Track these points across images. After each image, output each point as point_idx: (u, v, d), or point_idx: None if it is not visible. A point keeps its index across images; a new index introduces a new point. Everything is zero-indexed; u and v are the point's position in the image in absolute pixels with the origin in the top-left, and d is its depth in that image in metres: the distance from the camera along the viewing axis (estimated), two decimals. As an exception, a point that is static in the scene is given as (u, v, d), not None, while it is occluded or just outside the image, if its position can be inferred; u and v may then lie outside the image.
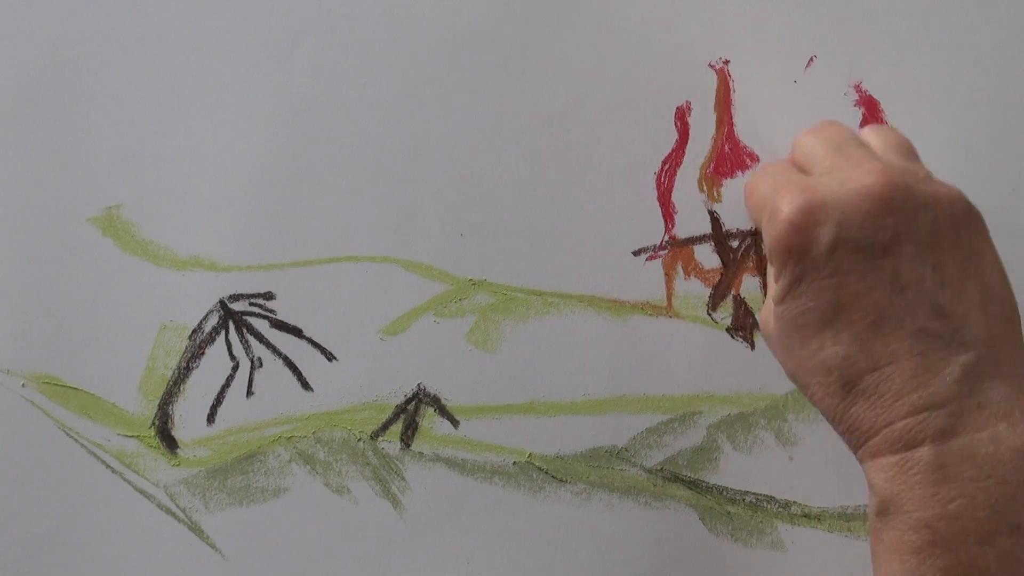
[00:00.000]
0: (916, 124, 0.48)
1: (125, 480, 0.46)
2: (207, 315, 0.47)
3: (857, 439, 0.37)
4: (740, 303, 0.48)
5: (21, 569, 0.46)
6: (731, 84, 0.47)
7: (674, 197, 0.47)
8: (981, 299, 0.38)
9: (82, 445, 0.46)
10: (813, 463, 0.47)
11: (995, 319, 0.38)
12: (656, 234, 0.47)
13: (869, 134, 0.42)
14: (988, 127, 0.48)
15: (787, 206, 0.38)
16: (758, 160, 0.48)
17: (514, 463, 0.47)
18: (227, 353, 0.47)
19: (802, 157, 0.42)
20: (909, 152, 0.41)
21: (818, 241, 0.37)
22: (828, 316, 0.37)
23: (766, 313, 0.41)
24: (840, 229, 0.37)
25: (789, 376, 0.40)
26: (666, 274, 0.47)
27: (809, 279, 0.37)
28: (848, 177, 0.38)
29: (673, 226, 0.48)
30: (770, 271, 0.41)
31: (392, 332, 0.47)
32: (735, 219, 0.48)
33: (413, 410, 0.47)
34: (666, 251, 0.48)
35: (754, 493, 0.48)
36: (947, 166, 0.47)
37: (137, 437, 0.47)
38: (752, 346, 0.48)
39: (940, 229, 0.38)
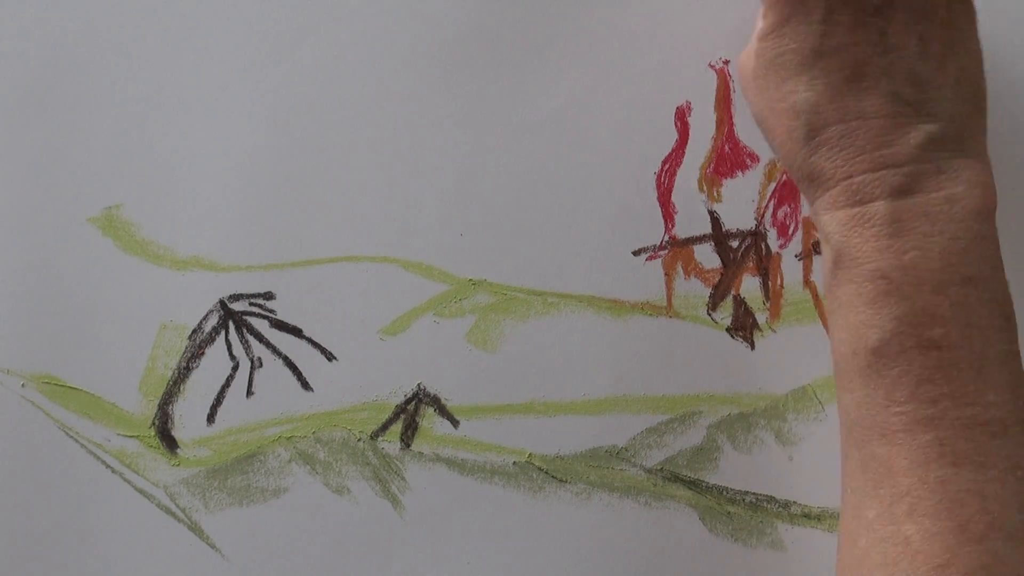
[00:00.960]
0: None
1: (125, 480, 0.46)
2: (207, 315, 0.47)
3: (815, 187, 0.38)
4: (740, 303, 0.48)
5: (21, 569, 0.46)
6: (731, 84, 0.47)
7: (674, 197, 0.47)
8: (956, 79, 0.38)
9: (82, 445, 0.46)
10: (813, 463, 0.47)
11: (965, 100, 0.38)
12: (656, 234, 0.47)
13: None
14: (989, 126, 0.48)
15: None
16: (758, 160, 0.48)
17: (514, 463, 0.47)
18: (227, 353, 0.47)
19: None
20: None
21: None
22: (808, 60, 0.38)
23: (747, 53, 0.41)
24: None
25: (756, 118, 0.40)
26: (666, 274, 0.47)
27: (798, 19, 0.38)
28: None
29: (673, 226, 0.48)
30: (760, 11, 0.41)
31: (392, 332, 0.47)
32: (735, 219, 0.48)
33: (413, 410, 0.47)
34: (666, 251, 0.48)
35: (754, 493, 0.48)
36: (947, 166, 0.47)
37: (137, 437, 0.47)
38: (752, 346, 0.48)
39: (934, 5, 0.38)
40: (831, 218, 0.38)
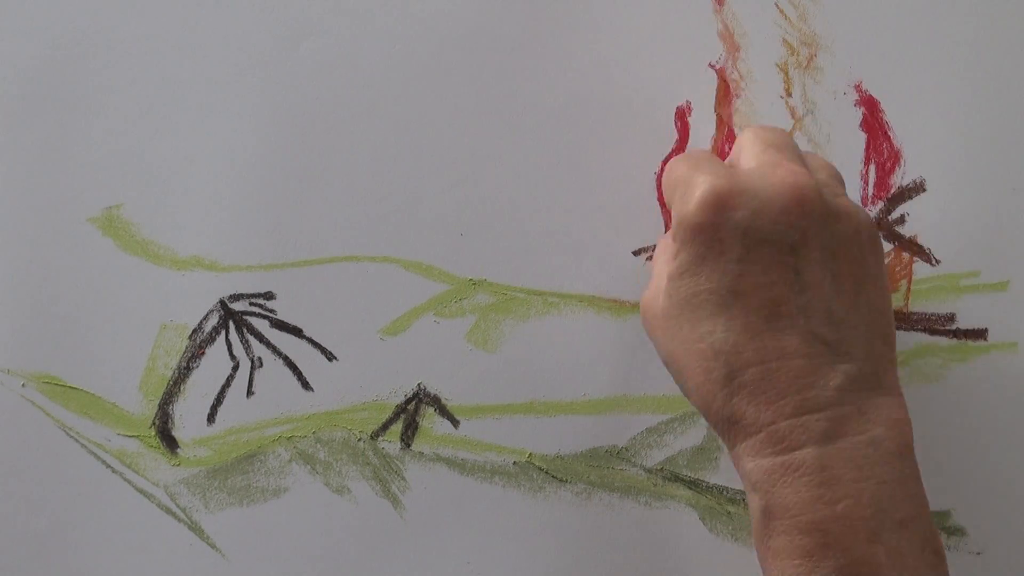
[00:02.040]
0: (916, 124, 0.48)
1: (125, 480, 0.46)
2: (207, 315, 0.47)
3: (736, 432, 0.38)
4: (740, 303, 0.48)
5: (21, 569, 0.46)
6: (731, 84, 0.47)
7: (674, 197, 0.47)
8: (869, 317, 0.39)
9: (82, 445, 0.46)
10: (813, 463, 0.47)
11: (878, 337, 0.39)
12: (656, 234, 0.47)
13: (810, 156, 0.42)
14: (988, 127, 0.48)
15: (704, 185, 0.38)
16: (758, 160, 0.48)
17: (514, 463, 0.47)
18: (227, 353, 0.47)
19: (737, 149, 0.42)
20: (836, 176, 0.42)
21: (730, 224, 0.37)
22: (725, 300, 0.37)
23: (653, 292, 0.41)
24: (754, 218, 0.37)
25: (665, 358, 0.40)
26: (666, 274, 0.47)
27: (713, 260, 0.38)
28: (771, 174, 0.38)
29: (673, 226, 0.47)
30: (663, 249, 0.41)
31: (392, 332, 0.47)
32: (735, 219, 0.48)
33: (413, 410, 0.47)
34: (666, 251, 0.47)
35: (754, 493, 0.48)
36: (947, 166, 0.47)
37: (137, 437, 0.47)
38: (752, 346, 0.48)
39: (845, 242, 0.38)
40: (755, 466, 0.37)
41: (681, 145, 0.47)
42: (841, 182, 0.42)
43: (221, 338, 0.47)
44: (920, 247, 0.48)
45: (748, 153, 0.40)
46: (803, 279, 0.38)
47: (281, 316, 0.47)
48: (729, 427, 0.38)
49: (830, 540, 0.35)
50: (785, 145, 0.41)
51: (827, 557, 0.35)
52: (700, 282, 0.38)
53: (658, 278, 0.40)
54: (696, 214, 0.38)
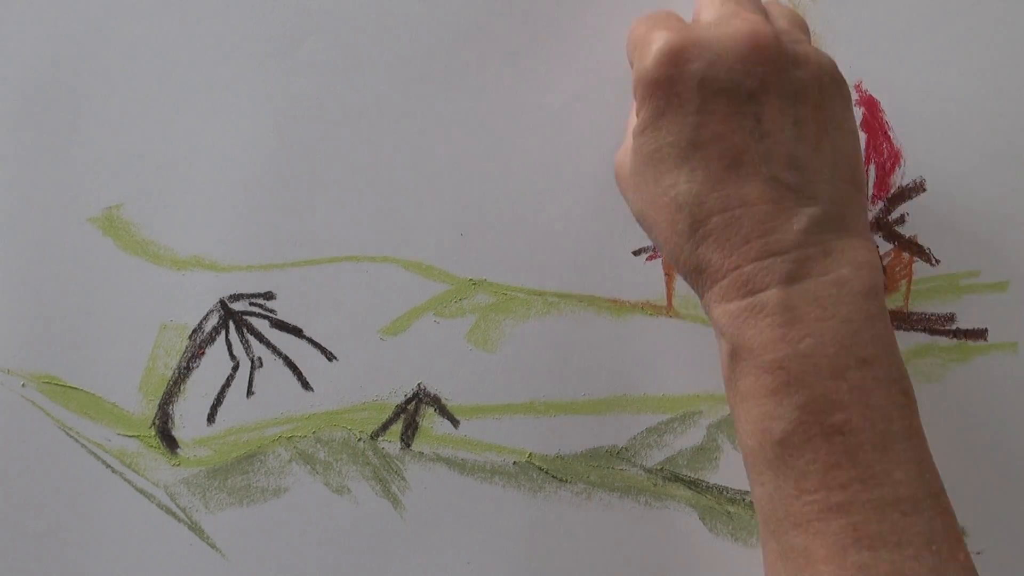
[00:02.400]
0: (916, 124, 0.48)
1: (125, 480, 0.46)
2: (207, 315, 0.47)
3: (703, 280, 0.38)
4: (740, 303, 0.48)
5: (21, 569, 0.46)
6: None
7: (674, 197, 0.47)
8: (833, 160, 0.38)
9: (82, 445, 0.46)
10: (813, 463, 0.47)
11: (843, 181, 0.39)
12: (656, 234, 0.47)
13: (771, 5, 0.42)
14: (988, 126, 0.48)
15: (660, 40, 0.38)
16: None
17: (514, 463, 0.47)
18: (227, 353, 0.47)
19: (697, 4, 0.42)
20: (798, 23, 0.42)
21: (686, 76, 0.37)
22: (685, 153, 0.38)
23: (623, 151, 0.41)
24: (710, 68, 0.37)
25: (636, 215, 0.40)
26: (666, 274, 0.47)
27: (672, 113, 0.38)
28: (727, 24, 0.38)
29: (673, 226, 0.47)
30: (632, 111, 0.41)
31: (392, 332, 0.47)
32: (735, 219, 0.48)
33: (413, 410, 0.47)
34: (666, 251, 0.48)
35: (754, 493, 0.48)
36: (947, 166, 0.47)
37: (137, 437, 0.47)
38: (752, 346, 0.48)
39: (806, 88, 0.38)
40: (723, 311, 0.38)
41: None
42: (804, 29, 0.42)
43: (221, 338, 0.47)
44: (920, 247, 0.48)
45: (707, 8, 0.41)
46: (763, 126, 0.38)
47: (281, 316, 0.47)
48: (697, 276, 0.38)
49: (792, 378, 0.36)
50: None
51: (789, 394, 0.36)
52: (661, 136, 0.38)
53: (627, 138, 0.41)
54: (653, 69, 0.38)
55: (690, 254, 0.38)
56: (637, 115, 0.39)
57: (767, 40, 0.38)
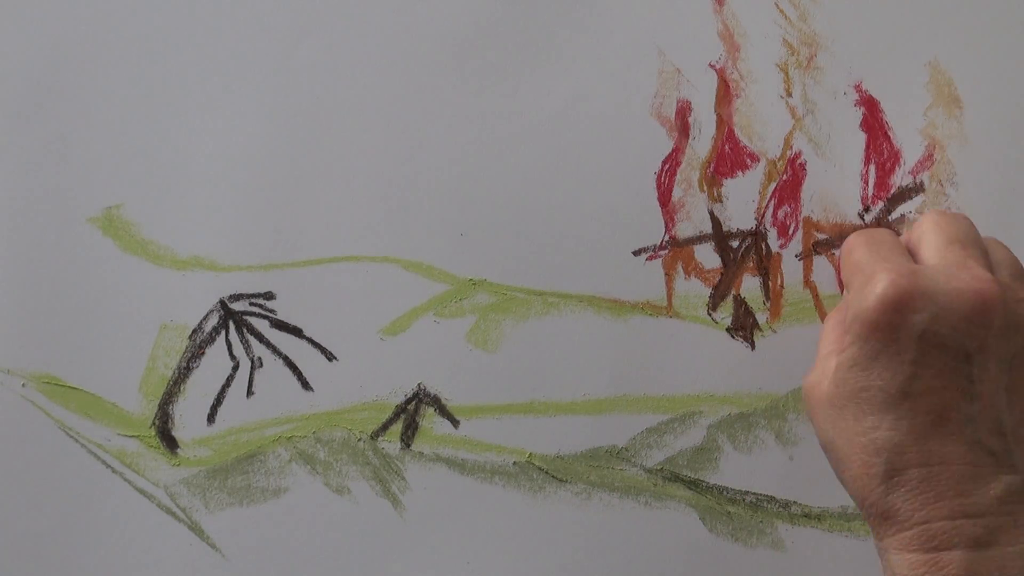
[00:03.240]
0: (916, 124, 0.48)
1: (125, 480, 0.46)
2: (207, 315, 0.47)
3: (888, 527, 0.38)
4: (740, 303, 0.48)
5: (21, 569, 0.46)
6: (731, 84, 0.47)
7: (674, 197, 0.47)
8: None
9: (82, 445, 0.46)
10: (813, 463, 0.47)
11: None
12: (656, 234, 0.47)
13: (991, 243, 0.42)
14: (988, 126, 0.48)
15: (886, 282, 0.37)
16: (758, 160, 0.48)
17: (514, 463, 0.47)
18: (227, 353, 0.47)
19: (918, 235, 0.41)
20: (1019, 273, 0.41)
21: (909, 326, 0.37)
22: (894, 400, 0.37)
23: (820, 375, 0.40)
24: (933, 322, 0.37)
25: (824, 444, 0.40)
26: (666, 274, 0.47)
27: (887, 358, 0.37)
28: (955, 276, 0.38)
29: (673, 226, 0.48)
30: (832, 329, 0.41)
31: (392, 332, 0.47)
32: (735, 219, 0.48)
33: (413, 410, 0.47)
34: (666, 251, 0.48)
35: (754, 493, 0.48)
36: (948, 166, 0.47)
37: (137, 437, 0.47)
38: (752, 346, 0.48)
39: (1022, 356, 0.38)
40: (902, 559, 0.37)
41: (681, 145, 0.47)
42: (1022, 274, 0.41)
43: (221, 338, 0.47)
44: (920, 247, 0.48)
45: (929, 246, 0.40)
46: (975, 388, 0.37)
47: (281, 316, 0.47)
48: (882, 521, 0.38)
49: None
50: (969, 240, 0.40)
51: None
52: (871, 377, 0.38)
53: (824, 360, 0.40)
54: (875, 312, 0.37)
55: (880, 498, 0.38)
56: (846, 348, 0.38)
57: (994, 303, 0.37)
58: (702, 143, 0.47)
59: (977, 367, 0.37)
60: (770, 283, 0.48)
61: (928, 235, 0.41)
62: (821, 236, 0.48)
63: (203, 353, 0.47)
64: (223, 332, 0.47)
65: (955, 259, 0.39)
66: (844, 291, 0.43)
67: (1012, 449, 0.37)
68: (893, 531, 0.38)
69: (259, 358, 0.47)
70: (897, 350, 0.37)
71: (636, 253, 0.47)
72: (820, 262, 0.48)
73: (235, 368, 0.47)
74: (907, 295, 0.37)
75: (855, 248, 0.41)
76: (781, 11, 0.47)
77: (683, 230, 0.48)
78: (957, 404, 0.37)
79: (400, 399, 0.47)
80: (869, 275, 0.38)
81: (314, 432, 0.47)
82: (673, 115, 0.47)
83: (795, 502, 0.47)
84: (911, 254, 0.41)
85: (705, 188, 0.48)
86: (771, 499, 0.47)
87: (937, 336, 0.37)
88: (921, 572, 0.36)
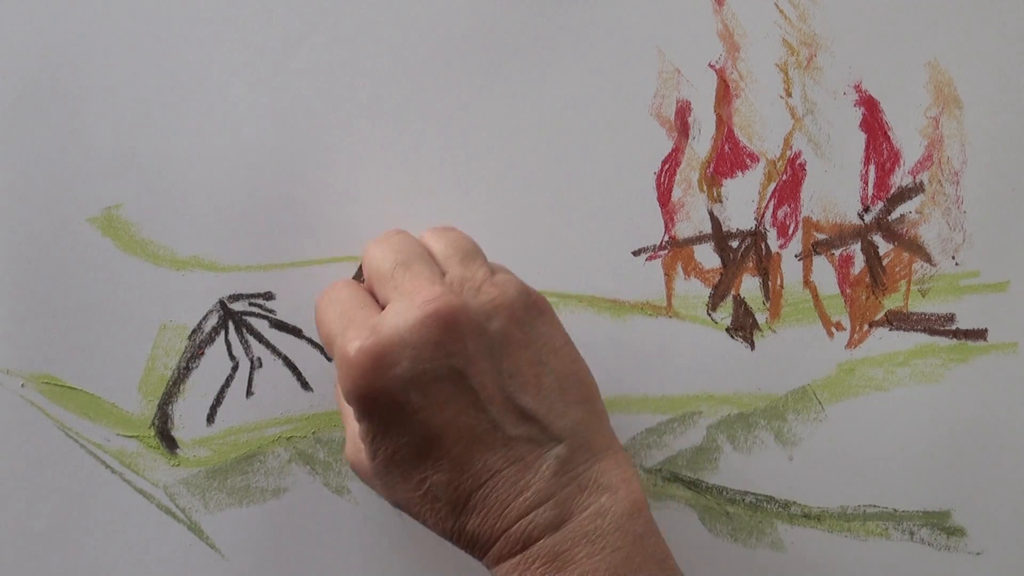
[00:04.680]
0: (915, 124, 0.48)
1: (125, 480, 0.46)
2: (207, 315, 0.47)
3: (479, 550, 0.38)
4: (740, 303, 0.48)
5: (21, 569, 0.46)
6: (731, 84, 0.47)
7: (674, 197, 0.47)
8: (559, 388, 0.39)
9: (82, 445, 0.46)
10: (813, 463, 0.47)
11: (575, 403, 0.39)
12: (656, 234, 0.47)
13: (431, 239, 0.42)
14: (988, 126, 0.48)
15: (356, 351, 0.37)
16: (758, 160, 0.48)
17: (514, 463, 0.47)
18: (227, 353, 0.47)
19: (369, 271, 0.41)
20: (468, 254, 0.41)
21: (395, 380, 0.37)
22: (424, 447, 0.37)
23: (353, 449, 0.41)
24: (415, 364, 0.37)
25: (393, 505, 0.40)
26: (666, 274, 0.48)
27: (395, 417, 0.37)
28: (408, 309, 0.37)
29: (673, 226, 0.48)
30: (342, 401, 0.41)
31: (392, 332, 0.47)
32: (735, 219, 0.48)
33: (413, 410, 0.47)
34: (666, 251, 0.48)
35: (754, 493, 0.48)
36: (948, 166, 0.47)
37: (137, 437, 0.47)
38: (752, 346, 0.48)
39: (507, 334, 0.38)
40: (500, 570, 0.38)
41: (681, 145, 0.47)
42: (474, 254, 0.41)
43: (220, 338, 0.47)
44: (920, 247, 0.48)
45: (382, 276, 0.40)
46: (482, 397, 0.37)
47: (281, 316, 0.47)
48: (473, 549, 0.39)
49: None
50: (410, 257, 0.40)
51: None
52: (394, 440, 0.38)
53: (353, 435, 0.41)
54: (358, 388, 0.37)
55: (460, 532, 0.38)
56: (359, 422, 0.38)
57: (453, 315, 0.37)
58: (702, 143, 0.47)
59: (473, 378, 0.37)
60: (770, 283, 0.48)
61: (376, 264, 0.40)
62: (821, 236, 0.48)
63: (202, 353, 0.47)
64: (222, 332, 0.47)
65: (404, 288, 0.39)
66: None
67: (548, 424, 0.38)
68: (484, 551, 0.38)
69: (258, 358, 0.47)
70: (399, 406, 0.37)
71: (636, 253, 0.47)
72: (820, 262, 0.48)
73: (234, 368, 0.47)
74: (377, 357, 0.37)
75: (320, 315, 0.41)
76: (781, 11, 0.47)
77: (683, 230, 0.48)
78: (476, 418, 0.37)
79: (400, 399, 0.47)
80: (340, 348, 0.38)
81: (314, 432, 0.47)
82: (673, 115, 0.47)
83: (794, 502, 0.48)
84: (374, 295, 0.41)
85: (705, 188, 0.48)
86: (770, 499, 0.47)
87: (425, 373, 0.37)
88: (517, 573, 0.37)
